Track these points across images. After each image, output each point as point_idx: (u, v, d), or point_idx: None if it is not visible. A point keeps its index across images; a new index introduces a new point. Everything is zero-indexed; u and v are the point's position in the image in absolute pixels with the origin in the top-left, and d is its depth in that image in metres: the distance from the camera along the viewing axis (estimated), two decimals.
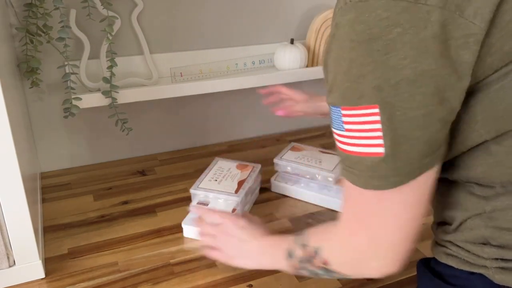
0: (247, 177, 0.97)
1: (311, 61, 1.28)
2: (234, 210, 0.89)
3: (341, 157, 0.53)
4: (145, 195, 1.05)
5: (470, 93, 0.49)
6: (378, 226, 0.52)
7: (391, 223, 0.51)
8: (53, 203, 1.02)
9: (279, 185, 1.05)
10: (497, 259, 0.53)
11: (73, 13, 1.01)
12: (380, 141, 0.47)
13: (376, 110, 0.46)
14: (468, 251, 0.55)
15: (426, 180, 0.50)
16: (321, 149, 1.09)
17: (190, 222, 0.90)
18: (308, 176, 1.02)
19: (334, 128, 0.52)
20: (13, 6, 0.96)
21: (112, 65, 1.01)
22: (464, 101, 0.48)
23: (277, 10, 1.24)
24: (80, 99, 1.01)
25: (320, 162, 1.03)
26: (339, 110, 0.49)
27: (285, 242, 0.66)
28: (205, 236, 0.78)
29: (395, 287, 0.80)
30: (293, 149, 1.09)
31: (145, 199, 1.03)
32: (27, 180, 0.80)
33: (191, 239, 0.90)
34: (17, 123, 0.79)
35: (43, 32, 0.97)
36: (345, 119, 0.49)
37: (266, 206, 1.01)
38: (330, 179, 0.99)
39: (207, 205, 0.91)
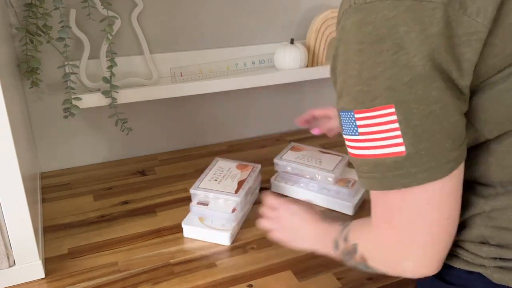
0: (247, 177, 0.97)
1: (311, 61, 1.28)
2: (234, 210, 0.90)
3: (356, 164, 0.52)
4: (145, 195, 1.05)
5: (473, 92, 0.49)
6: (405, 227, 0.51)
7: (418, 223, 0.50)
8: (53, 203, 1.02)
9: (279, 185, 1.05)
10: (495, 258, 0.53)
11: (73, 13, 1.01)
12: (400, 140, 0.47)
13: (392, 110, 0.46)
14: (467, 250, 0.55)
15: (451, 180, 0.49)
16: (321, 149, 1.09)
17: (190, 222, 0.90)
18: (308, 176, 1.02)
19: (345, 134, 0.51)
20: (13, 6, 0.96)
21: (112, 65, 1.01)
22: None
23: (277, 10, 1.24)
24: (80, 99, 1.01)
25: (320, 162, 1.03)
26: (351, 115, 0.49)
27: (335, 232, 0.64)
28: (266, 219, 0.78)
29: (395, 287, 0.80)
30: (293, 149, 1.09)
31: (145, 199, 1.03)
32: (27, 180, 0.80)
33: (191, 239, 0.90)
34: (17, 123, 0.79)
35: (43, 32, 0.98)
36: (359, 122, 0.49)
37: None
38: (330, 179, 0.99)
39: (207, 205, 0.91)
